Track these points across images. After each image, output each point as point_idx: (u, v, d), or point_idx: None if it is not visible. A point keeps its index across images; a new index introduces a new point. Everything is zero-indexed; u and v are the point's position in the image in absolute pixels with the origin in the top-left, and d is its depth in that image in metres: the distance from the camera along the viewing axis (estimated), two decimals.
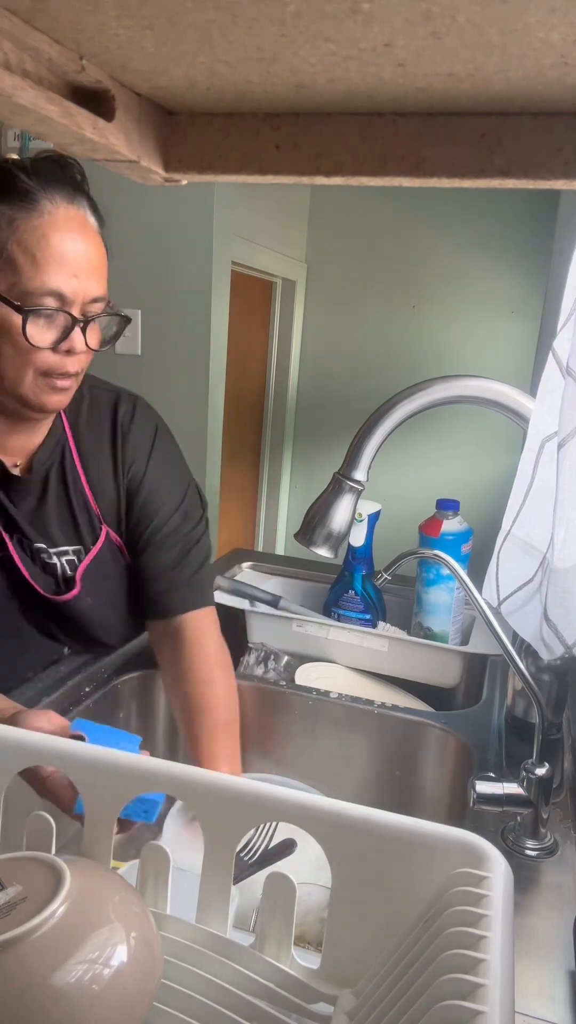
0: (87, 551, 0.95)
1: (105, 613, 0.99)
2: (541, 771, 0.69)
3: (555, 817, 0.75)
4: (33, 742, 0.52)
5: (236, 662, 1.21)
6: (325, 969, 0.47)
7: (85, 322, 0.79)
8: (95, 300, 0.80)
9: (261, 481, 3.39)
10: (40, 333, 0.77)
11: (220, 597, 1.22)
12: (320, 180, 0.41)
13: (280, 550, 3.45)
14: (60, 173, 0.78)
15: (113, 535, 0.97)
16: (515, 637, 0.74)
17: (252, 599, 1.22)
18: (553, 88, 0.34)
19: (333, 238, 3.16)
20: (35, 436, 0.90)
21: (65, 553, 0.94)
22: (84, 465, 0.94)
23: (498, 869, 0.42)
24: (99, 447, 0.95)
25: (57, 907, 0.40)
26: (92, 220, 0.80)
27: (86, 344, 0.80)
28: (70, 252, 0.76)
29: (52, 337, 0.78)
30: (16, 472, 0.89)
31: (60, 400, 0.83)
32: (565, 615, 0.63)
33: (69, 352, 0.80)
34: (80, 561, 0.94)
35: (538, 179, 0.38)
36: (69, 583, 0.94)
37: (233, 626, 1.20)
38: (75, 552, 0.94)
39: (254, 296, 2.97)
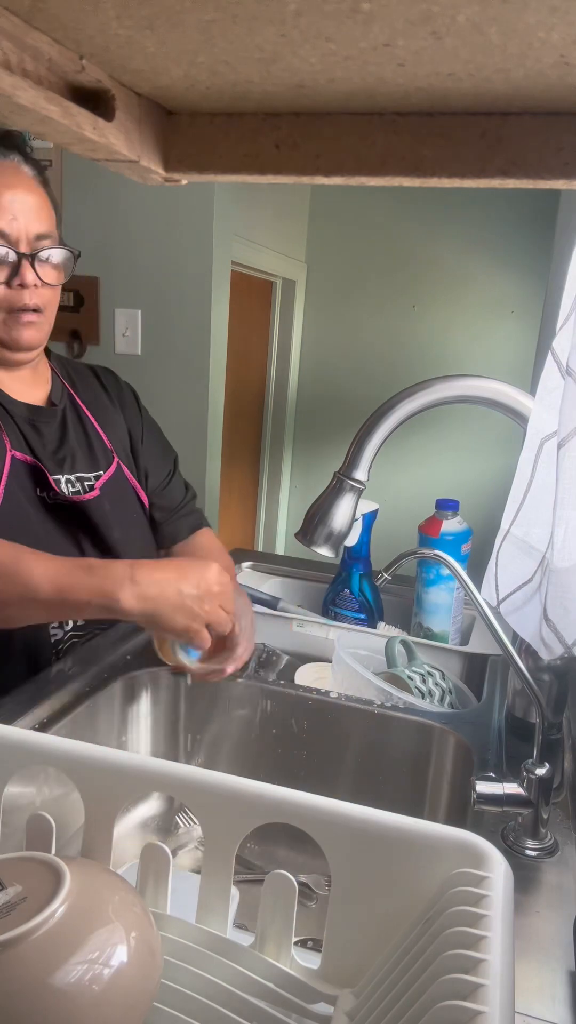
0: (103, 475, 1.06)
1: (122, 521, 1.05)
2: (541, 771, 0.69)
3: (555, 817, 0.75)
4: (33, 742, 0.52)
5: None
6: (325, 969, 0.47)
7: (32, 256, 0.88)
8: (40, 237, 0.89)
9: (261, 481, 3.39)
10: None
11: None
12: (320, 180, 0.41)
13: (280, 550, 3.45)
14: None
15: (125, 468, 1.08)
16: (515, 637, 0.74)
17: (251, 600, 1.22)
18: (553, 88, 0.34)
19: (333, 238, 3.16)
20: (39, 387, 1.01)
21: (86, 479, 1.03)
22: (90, 409, 1.07)
23: (498, 869, 0.42)
24: (97, 398, 1.09)
25: (57, 907, 0.40)
26: (27, 169, 0.90)
27: (38, 277, 0.89)
28: (6, 196, 0.86)
29: (4, 273, 0.87)
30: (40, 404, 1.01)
31: (31, 335, 0.92)
32: (565, 615, 0.62)
33: (22, 286, 0.88)
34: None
35: (538, 179, 0.38)
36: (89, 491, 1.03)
37: None
38: (95, 477, 1.04)
39: (254, 296, 2.97)
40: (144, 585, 0.79)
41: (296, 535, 0.77)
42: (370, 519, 1.25)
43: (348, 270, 3.16)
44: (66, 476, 1.00)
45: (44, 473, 0.96)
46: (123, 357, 2.40)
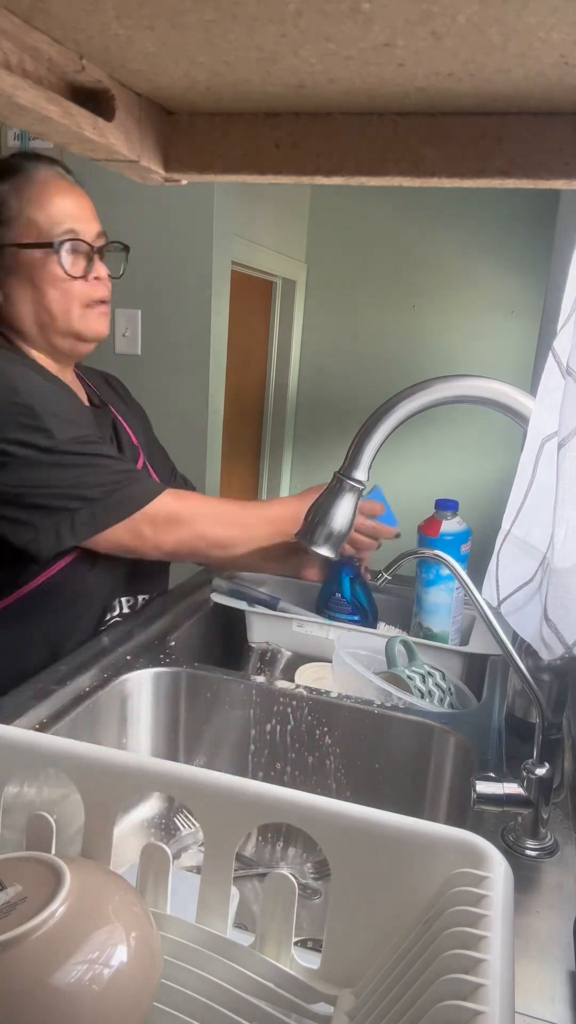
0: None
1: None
2: (541, 771, 0.69)
3: (555, 817, 0.75)
4: (33, 742, 0.52)
5: (237, 662, 1.21)
6: (325, 969, 0.47)
7: (101, 249, 0.98)
8: (98, 235, 0.98)
9: (261, 481, 3.39)
10: (72, 265, 0.94)
11: (219, 598, 1.22)
12: (320, 180, 0.41)
13: None
14: (34, 155, 0.99)
15: (148, 465, 1.15)
16: (515, 637, 0.74)
17: (251, 600, 1.22)
18: (553, 88, 0.34)
19: (333, 238, 3.16)
20: (79, 387, 1.08)
21: None
22: (115, 410, 1.14)
23: (498, 869, 0.42)
24: (114, 400, 1.16)
25: (57, 907, 0.40)
26: (70, 178, 1.01)
27: (107, 270, 0.99)
28: (70, 200, 0.96)
29: (82, 266, 0.96)
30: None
31: (104, 325, 1.01)
32: (565, 615, 0.62)
33: (97, 279, 0.97)
34: None
35: (538, 179, 0.38)
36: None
37: (233, 626, 1.20)
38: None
39: (254, 296, 2.97)
40: None
41: (296, 535, 0.77)
42: None
43: (348, 270, 3.16)
44: None
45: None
46: (123, 357, 2.40)
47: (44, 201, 0.94)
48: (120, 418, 1.13)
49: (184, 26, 0.31)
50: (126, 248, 1.04)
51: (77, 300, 0.96)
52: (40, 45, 0.32)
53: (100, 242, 0.98)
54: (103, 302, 0.99)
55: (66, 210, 0.95)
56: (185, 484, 1.25)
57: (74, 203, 0.96)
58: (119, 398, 1.19)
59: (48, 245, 0.93)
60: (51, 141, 0.37)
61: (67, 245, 0.94)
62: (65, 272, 0.94)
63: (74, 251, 0.95)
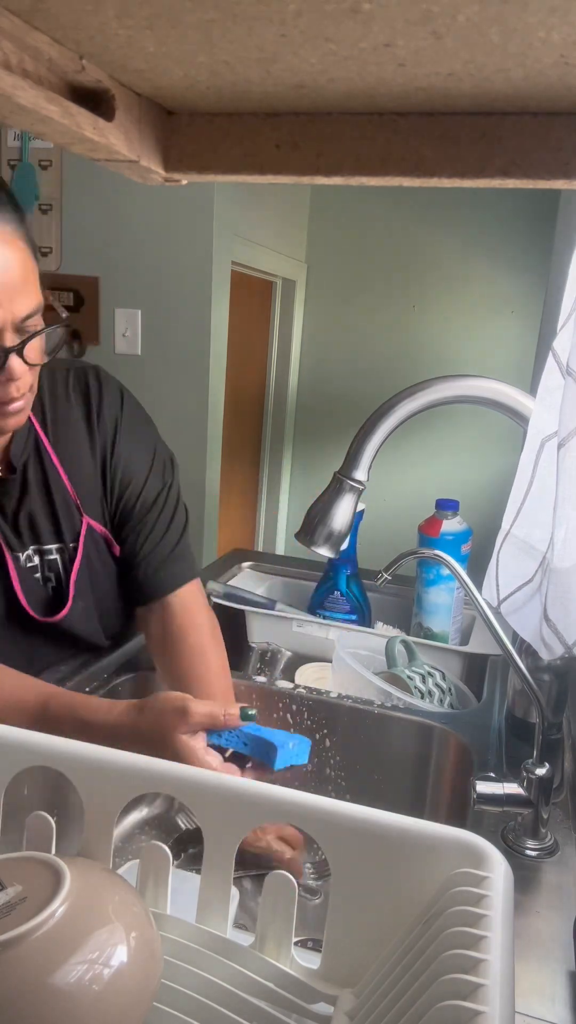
0: (69, 550, 0.92)
1: (95, 621, 0.98)
2: (541, 771, 0.69)
3: (555, 817, 0.75)
4: (33, 742, 0.52)
5: (238, 662, 1.21)
6: (325, 969, 0.47)
7: (21, 346, 0.72)
8: (28, 316, 0.72)
9: (261, 481, 3.39)
10: None
11: (219, 599, 1.22)
12: (320, 180, 0.41)
13: (280, 550, 3.45)
14: None
15: (96, 526, 0.94)
16: (515, 637, 0.74)
17: (247, 604, 1.22)
18: (553, 88, 0.34)
19: (333, 238, 3.16)
20: (1, 438, 0.87)
21: (49, 552, 0.92)
22: (58, 453, 0.91)
23: (498, 869, 0.42)
24: (72, 426, 0.92)
25: (57, 907, 0.40)
26: (10, 228, 0.69)
27: (26, 364, 0.74)
28: None
29: None
30: None
31: (17, 420, 0.79)
32: (565, 615, 0.63)
33: (10, 379, 0.73)
34: (64, 562, 0.92)
35: (538, 179, 0.38)
36: (61, 597, 0.92)
37: (233, 626, 1.20)
38: (58, 551, 0.92)
39: (254, 296, 2.97)
40: None
41: (296, 535, 0.77)
42: (357, 519, 1.25)
43: (348, 270, 3.16)
44: (31, 548, 0.91)
45: (4, 555, 0.88)
46: (123, 357, 2.40)
47: None
48: (60, 468, 0.91)
49: (184, 26, 0.31)
50: (67, 326, 0.81)
51: None
52: (40, 45, 0.32)
53: (28, 325, 0.72)
54: (14, 400, 0.76)
55: None
56: (169, 525, 0.98)
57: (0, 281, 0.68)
58: (85, 421, 0.93)
59: None
60: (51, 141, 0.37)
61: None
62: None
63: None
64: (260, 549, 3.43)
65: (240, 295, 2.66)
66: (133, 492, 0.95)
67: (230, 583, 1.34)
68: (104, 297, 2.39)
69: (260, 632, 1.19)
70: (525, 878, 0.67)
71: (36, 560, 0.91)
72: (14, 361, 0.72)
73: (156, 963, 0.42)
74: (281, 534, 3.48)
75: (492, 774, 0.77)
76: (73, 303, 2.40)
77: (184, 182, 0.44)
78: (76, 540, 0.92)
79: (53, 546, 0.92)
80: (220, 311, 2.37)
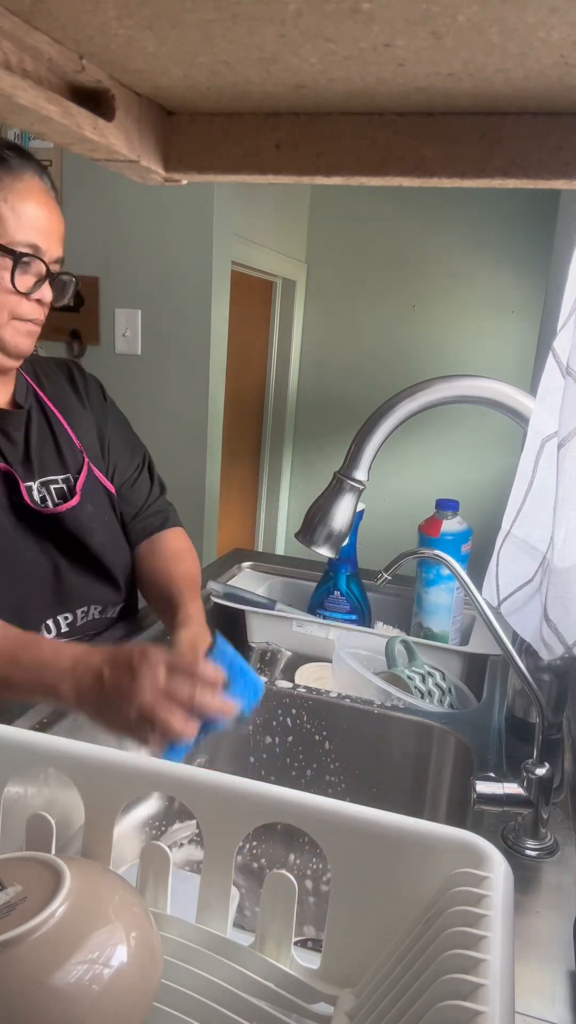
0: (75, 479, 1.03)
1: (100, 526, 1.05)
2: (541, 771, 0.69)
3: (555, 817, 0.75)
4: (33, 742, 0.52)
5: None
6: (325, 969, 0.47)
7: (55, 276, 0.91)
8: (57, 260, 0.91)
9: (261, 481, 3.39)
10: (21, 280, 0.88)
11: (218, 599, 1.22)
12: (320, 180, 0.41)
13: (280, 550, 3.45)
14: (27, 155, 0.90)
15: (96, 470, 1.06)
16: (515, 637, 0.74)
17: (247, 603, 1.22)
18: (553, 88, 0.34)
19: (333, 238, 3.16)
20: (4, 388, 0.99)
21: (55, 482, 1.02)
22: (56, 406, 1.05)
23: (498, 869, 0.42)
24: (65, 396, 1.08)
25: (57, 907, 0.40)
26: (45, 183, 0.91)
27: (52, 297, 0.92)
28: (44, 215, 0.89)
29: (30, 285, 0.89)
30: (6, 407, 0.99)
31: (29, 345, 0.94)
32: (565, 615, 0.63)
33: (40, 301, 0.91)
34: (70, 488, 1.02)
35: (538, 179, 0.38)
36: (68, 496, 1.01)
37: (233, 626, 1.20)
38: (64, 480, 1.02)
39: (254, 296, 2.97)
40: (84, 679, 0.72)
41: (296, 535, 0.77)
42: (357, 519, 1.25)
43: (348, 270, 3.16)
44: (38, 481, 0.99)
45: (16, 481, 0.95)
46: (123, 357, 2.40)
47: (21, 205, 0.87)
48: (60, 417, 1.04)
49: (184, 26, 0.31)
50: (75, 281, 0.98)
51: (9, 311, 0.89)
52: (40, 45, 0.32)
53: (56, 268, 0.91)
54: (35, 323, 0.93)
55: (39, 224, 0.88)
56: (152, 486, 1.15)
57: (48, 220, 0.89)
58: (71, 390, 1.09)
59: (9, 252, 0.86)
60: (51, 141, 0.37)
61: (26, 259, 0.87)
62: (11, 284, 0.87)
63: (30, 268, 0.89)
64: (260, 549, 3.43)
65: (240, 295, 2.66)
66: (120, 476, 1.10)
67: (230, 583, 1.34)
68: (104, 297, 2.39)
69: (260, 632, 1.19)
70: (525, 878, 0.67)
71: (44, 492, 1.00)
72: (46, 286, 0.91)
73: (156, 963, 0.42)
74: (281, 534, 3.48)
75: (492, 774, 0.77)
76: (73, 303, 2.40)
77: (184, 182, 0.44)
78: (79, 474, 1.04)
79: (59, 476, 1.02)
80: (220, 311, 2.37)
